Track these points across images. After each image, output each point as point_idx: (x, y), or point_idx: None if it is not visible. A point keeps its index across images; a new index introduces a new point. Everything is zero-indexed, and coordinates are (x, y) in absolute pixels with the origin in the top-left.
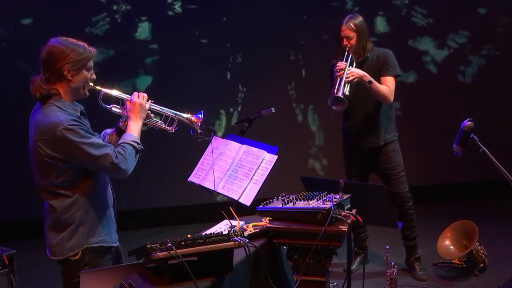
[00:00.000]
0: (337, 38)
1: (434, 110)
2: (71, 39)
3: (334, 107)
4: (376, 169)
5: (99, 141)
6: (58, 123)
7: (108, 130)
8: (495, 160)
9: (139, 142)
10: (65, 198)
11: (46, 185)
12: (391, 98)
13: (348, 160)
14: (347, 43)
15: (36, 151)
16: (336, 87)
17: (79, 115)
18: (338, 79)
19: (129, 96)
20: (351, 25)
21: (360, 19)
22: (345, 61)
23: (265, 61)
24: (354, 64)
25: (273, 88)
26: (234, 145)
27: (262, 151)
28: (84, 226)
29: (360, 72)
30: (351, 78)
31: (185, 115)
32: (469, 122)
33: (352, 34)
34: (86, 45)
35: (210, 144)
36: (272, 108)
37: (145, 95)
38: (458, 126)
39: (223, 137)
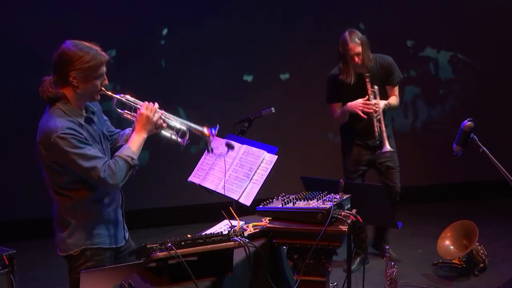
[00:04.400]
0: (342, 55)
1: (434, 110)
2: (85, 43)
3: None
4: (377, 163)
5: (92, 152)
6: (53, 129)
7: (127, 130)
8: (495, 160)
9: (135, 157)
10: (66, 199)
11: (50, 185)
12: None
13: (351, 158)
14: (358, 60)
15: (39, 152)
16: (378, 139)
17: (82, 122)
18: (375, 120)
19: (141, 103)
20: (357, 40)
21: (358, 32)
22: (372, 97)
23: (265, 61)
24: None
25: (273, 88)
26: (234, 145)
27: (262, 151)
28: (83, 228)
29: (382, 104)
30: (380, 114)
31: (198, 127)
32: (469, 122)
33: (360, 49)
34: (98, 50)
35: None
36: (272, 108)
37: (156, 105)
38: (458, 126)
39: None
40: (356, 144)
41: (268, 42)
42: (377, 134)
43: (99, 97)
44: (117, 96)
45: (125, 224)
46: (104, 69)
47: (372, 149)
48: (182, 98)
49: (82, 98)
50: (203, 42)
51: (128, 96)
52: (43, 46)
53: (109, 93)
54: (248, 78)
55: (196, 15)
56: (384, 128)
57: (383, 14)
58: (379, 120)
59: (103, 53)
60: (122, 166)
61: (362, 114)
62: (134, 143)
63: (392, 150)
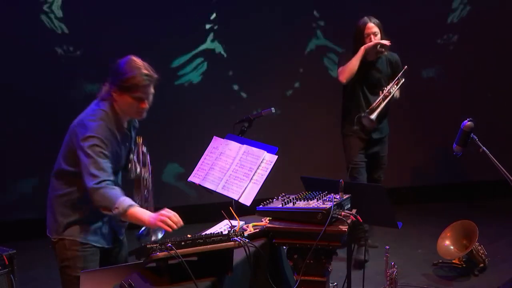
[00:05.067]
0: (358, 36)
1: (434, 109)
2: (137, 63)
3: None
4: (373, 155)
5: (104, 165)
6: (89, 129)
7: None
8: (495, 160)
9: (116, 213)
10: (59, 185)
11: (57, 166)
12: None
13: (352, 147)
14: (375, 38)
15: (69, 134)
16: (371, 109)
17: (119, 138)
18: (381, 97)
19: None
20: (377, 21)
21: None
22: (395, 84)
23: (265, 61)
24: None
25: (273, 88)
26: (234, 145)
27: (262, 151)
28: (62, 218)
29: (393, 94)
30: (387, 98)
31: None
32: (469, 122)
33: (377, 30)
34: (143, 73)
35: (210, 144)
36: (272, 108)
37: (175, 225)
38: (458, 126)
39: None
40: (356, 135)
41: (268, 42)
42: (373, 106)
43: (138, 116)
44: (140, 143)
45: (119, 228)
46: (143, 92)
47: (368, 135)
48: (182, 98)
49: (121, 110)
50: (202, 42)
51: (143, 151)
52: (43, 46)
53: (140, 139)
54: (248, 78)
55: (195, 15)
56: (381, 108)
57: (383, 13)
58: (383, 99)
59: (146, 77)
60: (108, 200)
61: (378, 44)
62: (136, 214)
63: (374, 122)
